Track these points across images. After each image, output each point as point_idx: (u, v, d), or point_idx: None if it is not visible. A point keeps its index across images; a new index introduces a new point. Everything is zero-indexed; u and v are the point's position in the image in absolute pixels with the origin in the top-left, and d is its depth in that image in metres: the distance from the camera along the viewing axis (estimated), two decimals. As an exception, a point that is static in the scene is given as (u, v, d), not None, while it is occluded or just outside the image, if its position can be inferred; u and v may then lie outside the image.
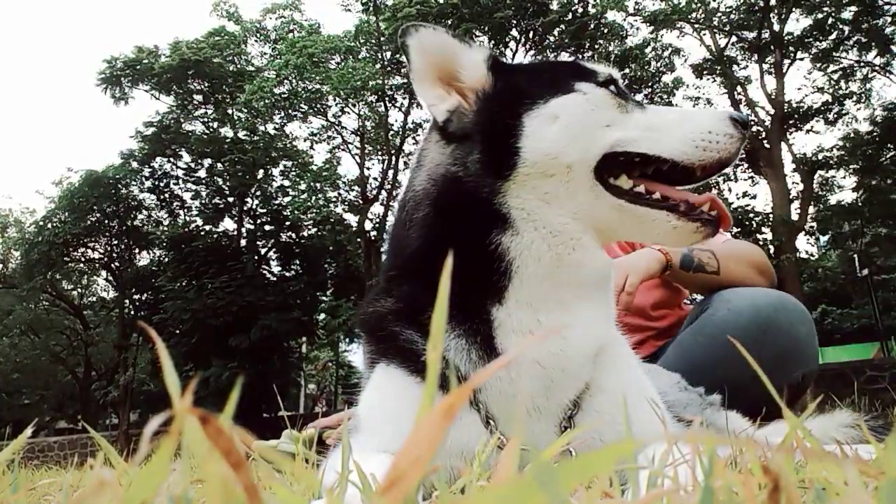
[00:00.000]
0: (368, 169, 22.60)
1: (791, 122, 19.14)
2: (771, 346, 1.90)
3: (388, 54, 20.16)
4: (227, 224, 23.20)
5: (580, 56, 19.92)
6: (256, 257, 21.91)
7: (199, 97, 22.81)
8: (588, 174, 1.10)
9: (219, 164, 22.36)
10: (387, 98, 20.91)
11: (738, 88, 19.39)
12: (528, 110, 1.13)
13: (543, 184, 1.10)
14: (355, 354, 33.07)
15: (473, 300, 1.09)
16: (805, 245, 23.65)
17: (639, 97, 21.53)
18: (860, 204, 19.05)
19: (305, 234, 22.94)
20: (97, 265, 25.31)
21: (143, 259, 24.91)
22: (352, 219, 22.36)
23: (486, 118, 1.17)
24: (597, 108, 1.14)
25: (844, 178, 20.22)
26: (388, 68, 20.33)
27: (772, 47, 18.31)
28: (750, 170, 20.37)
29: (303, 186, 22.02)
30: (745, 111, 19.19)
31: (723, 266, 2.12)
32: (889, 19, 17.39)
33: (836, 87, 19.36)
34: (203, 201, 23.48)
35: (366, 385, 1.21)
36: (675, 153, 1.11)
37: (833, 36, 18.43)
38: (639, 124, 1.14)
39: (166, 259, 22.59)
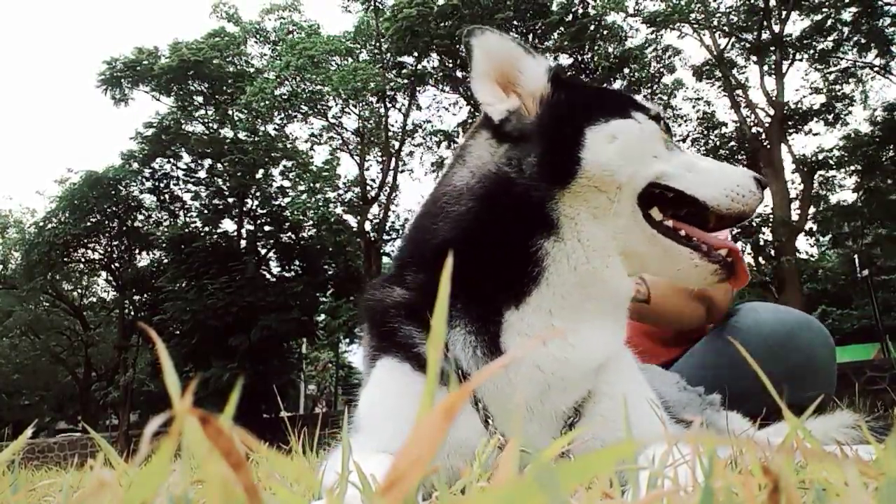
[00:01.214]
0: (367, 170, 22.63)
1: (791, 122, 19.13)
2: (786, 360, 1.93)
3: (389, 55, 20.17)
4: (227, 225, 23.19)
5: (580, 57, 19.93)
6: (256, 258, 21.89)
7: (199, 98, 22.81)
8: (633, 198, 1.15)
9: (219, 165, 22.34)
10: (387, 99, 20.92)
11: (738, 90, 19.40)
12: (591, 125, 1.17)
13: (595, 198, 1.13)
14: (355, 355, 33.02)
15: (491, 299, 1.11)
16: (805, 246, 23.66)
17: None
18: (860, 204, 19.03)
19: (305, 234, 22.93)
20: (97, 266, 25.27)
21: (143, 260, 24.91)
22: (351, 220, 22.37)
23: (549, 124, 1.20)
24: (648, 139, 1.19)
25: (844, 178, 20.22)
26: (389, 69, 20.34)
27: (771, 48, 18.30)
28: (750, 171, 20.33)
29: (302, 187, 22.03)
30: (745, 112, 19.22)
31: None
32: (889, 20, 17.39)
33: (833, 88, 19.36)
34: (203, 202, 23.46)
35: (367, 380, 1.20)
36: (708, 197, 1.17)
37: (833, 37, 18.43)
38: (680, 164, 1.20)
39: (166, 260, 22.57)
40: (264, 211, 22.76)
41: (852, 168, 19.24)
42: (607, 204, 1.13)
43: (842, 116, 19.45)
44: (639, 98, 1.31)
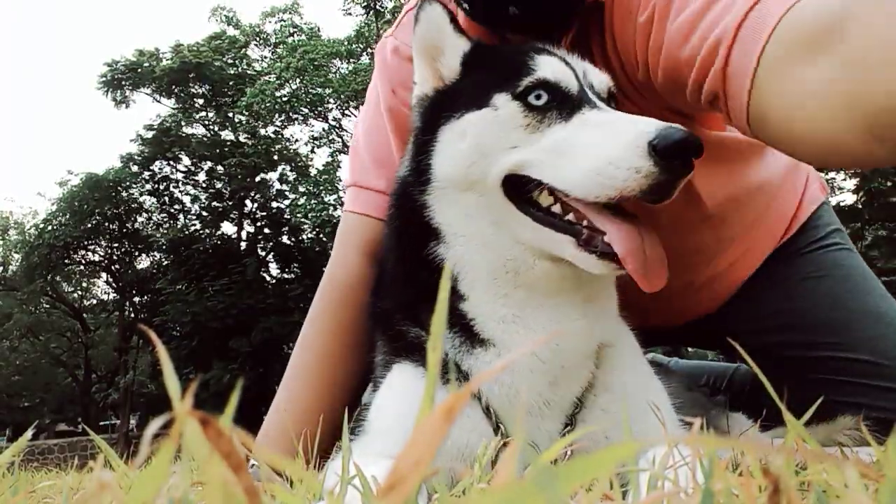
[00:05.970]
0: (368, 171, 22.63)
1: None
2: None
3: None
4: (227, 227, 23.24)
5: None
6: (256, 261, 21.91)
7: (199, 100, 22.85)
8: (497, 191, 1.03)
9: (219, 168, 22.39)
10: (387, 101, 20.93)
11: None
12: (445, 123, 1.09)
13: (461, 198, 1.06)
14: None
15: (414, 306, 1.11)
16: (805, 247, 23.61)
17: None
18: (860, 206, 19.04)
19: (305, 237, 22.95)
20: (97, 268, 25.32)
21: (143, 262, 24.96)
22: (352, 222, 22.33)
23: (419, 124, 1.15)
24: (502, 128, 1.03)
25: (845, 180, 20.22)
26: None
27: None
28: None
29: (302, 190, 22.05)
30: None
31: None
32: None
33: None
34: (203, 204, 23.50)
35: (381, 384, 1.18)
36: (569, 185, 0.96)
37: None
38: (546, 147, 1.00)
39: (166, 262, 22.60)
40: (264, 213, 22.78)
41: (852, 170, 19.24)
42: (478, 200, 1.05)
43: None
44: (536, 59, 1.08)
